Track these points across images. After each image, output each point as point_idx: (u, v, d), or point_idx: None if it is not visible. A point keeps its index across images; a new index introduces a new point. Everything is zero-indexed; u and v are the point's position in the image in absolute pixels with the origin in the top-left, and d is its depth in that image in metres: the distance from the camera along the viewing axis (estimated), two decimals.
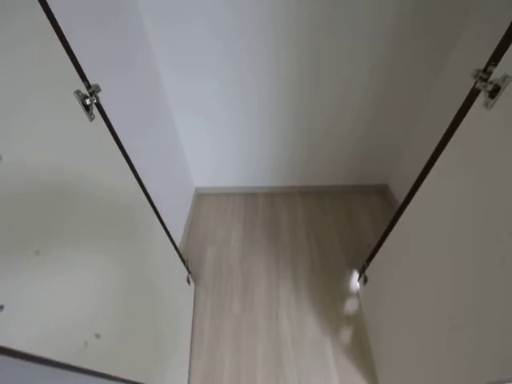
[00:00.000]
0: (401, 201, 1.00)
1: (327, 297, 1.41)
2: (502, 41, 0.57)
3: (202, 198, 1.98)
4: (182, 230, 1.67)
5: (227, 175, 1.90)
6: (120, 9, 0.98)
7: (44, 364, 0.43)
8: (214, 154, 1.74)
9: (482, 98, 0.61)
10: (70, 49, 0.54)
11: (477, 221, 0.63)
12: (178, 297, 1.22)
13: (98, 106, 0.64)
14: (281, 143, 1.65)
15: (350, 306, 1.38)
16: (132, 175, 0.81)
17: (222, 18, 1.14)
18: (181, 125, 1.57)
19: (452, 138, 0.71)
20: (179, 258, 1.23)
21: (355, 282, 1.46)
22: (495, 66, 0.58)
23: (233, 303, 1.39)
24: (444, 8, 1.11)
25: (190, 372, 1.19)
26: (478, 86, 0.61)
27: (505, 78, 0.54)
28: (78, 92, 0.56)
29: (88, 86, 0.60)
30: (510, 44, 0.54)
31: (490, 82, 0.58)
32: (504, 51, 0.55)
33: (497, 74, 0.57)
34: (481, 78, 0.60)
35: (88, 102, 0.59)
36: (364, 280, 1.35)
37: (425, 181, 0.84)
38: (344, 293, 1.43)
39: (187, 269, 1.34)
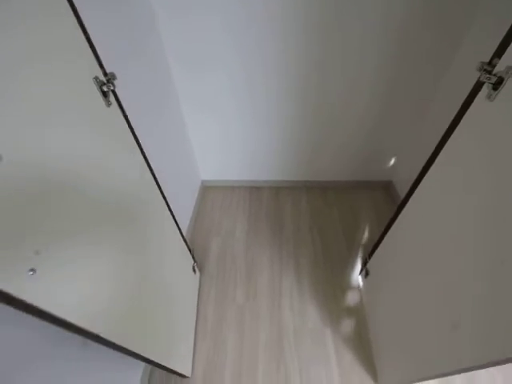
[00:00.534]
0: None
1: (329, 288, 1.43)
2: (506, 34, 0.58)
3: (207, 190, 2.01)
4: (188, 221, 1.71)
5: (233, 169, 1.92)
6: None
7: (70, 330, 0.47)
8: (220, 147, 1.77)
9: (485, 90, 0.62)
10: (88, 35, 0.57)
11: (480, 214, 0.65)
12: (184, 284, 1.26)
13: (114, 93, 0.67)
14: (287, 138, 1.67)
15: (351, 298, 1.41)
16: (146, 165, 0.84)
17: (232, 12, 1.15)
18: (189, 118, 1.60)
19: (455, 131, 0.73)
20: (186, 247, 1.27)
21: (357, 276, 1.49)
22: (499, 58, 0.59)
23: (236, 292, 1.43)
24: (453, 1, 1.11)
25: (194, 356, 1.22)
26: (482, 78, 0.62)
27: (508, 69, 0.55)
28: (96, 78, 0.59)
29: (105, 73, 0.63)
30: None
31: (494, 75, 0.59)
32: (508, 44, 0.57)
33: (500, 66, 0.58)
34: (485, 70, 0.62)
35: (105, 88, 0.62)
36: (366, 273, 1.37)
37: (427, 174, 0.86)
38: (345, 285, 1.45)
39: (193, 258, 1.38)
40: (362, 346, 1.25)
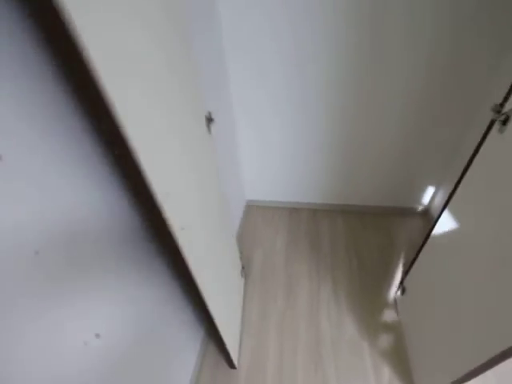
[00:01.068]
0: None
1: (365, 303, 1.52)
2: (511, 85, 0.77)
3: (251, 209, 2.26)
4: (235, 234, 1.94)
5: (275, 190, 2.16)
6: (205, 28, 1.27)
7: None
8: (264, 170, 2.04)
9: (497, 126, 0.80)
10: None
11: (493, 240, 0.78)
12: (234, 284, 1.45)
13: (210, 123, 0.96)
14: (325, 163, 1.89)
15: (388, 314, 1.47)
16: (218, 182, 1.11)
17: (287, 44, 1.40)
18: (243, 142, 1.90)
19: (474, 160, 0.89)
20: (238, 254, 1.48)
21: (393, 293, 1.55)
22: (506, 102, 0.77)
23: (277, 298, 1.58)
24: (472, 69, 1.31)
25: (239, 352, 1.37)
26: (493, 117, 0.80)
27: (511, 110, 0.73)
28: (207, 115, 0.88)
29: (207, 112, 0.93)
30: None
31: (503, 114, 0.77)
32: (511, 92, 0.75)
33: (507, 107, 0.76)
34: (497, 111, 0.80)
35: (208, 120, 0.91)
36: (402, 291, 1.44)
37: (452, 199, 1.01)
38: (382, 301, 1.52)
39: (241, 264, 1.58)
40: (400, 361, 1.29)
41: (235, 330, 1.38)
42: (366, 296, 1.55)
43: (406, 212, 2.06)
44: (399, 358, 1.31)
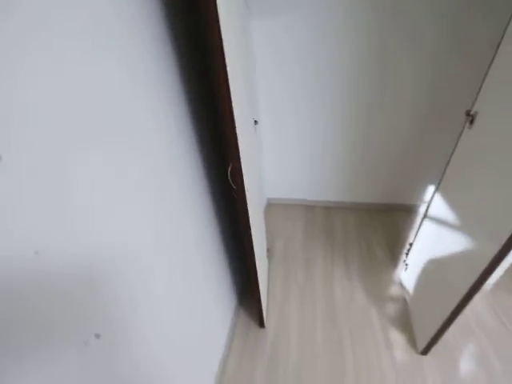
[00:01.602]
0: None
1: (374, 279, 1.77)
2: (477, 92, 1.08)
3: (271, 205, 2.57)
4: None
5: (291, 189, 2.48)
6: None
7: None
8: (284, 170, 2.36)
9: (468, 124, 1.11)
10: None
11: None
12: (264, 261, 1.73)
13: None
14: (340, 165, 2.20)
15: (393, 288, 1.72)
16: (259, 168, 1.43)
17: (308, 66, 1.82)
18: (266, 143, 2.24)
19: (456, 149, 1.20)
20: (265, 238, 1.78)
21: (398, 271, 1.81)
22: (473, 106, 1.09)
23: (297, 275, 1.85)
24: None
25: (266, 317, 1.63)
26: (465, 119, 1.11)
27: (475, 112, 1.04)
28: (254, 118, 1.22)
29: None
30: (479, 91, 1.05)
31: (470, 115, 1.08)
32: (476, 99, 1.07)
33: (473, 110, 1.08)
34: (467, 114, 1.11)
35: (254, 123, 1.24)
36: (405, 266, 1.70)
37: (440, 183, 1.30)
38: (388, 278, 1.78)
39: (267, 246, 1.87)
40: (403, 323, 1.53)
41: (264, 297, 1.66)
42: (374, 273, 1.81)
43: (411, 208, 2.33)
44: (402, 320, 1.55)
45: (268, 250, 1.90)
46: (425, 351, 1.35)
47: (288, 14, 1.64)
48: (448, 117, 1.82)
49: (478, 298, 1.61)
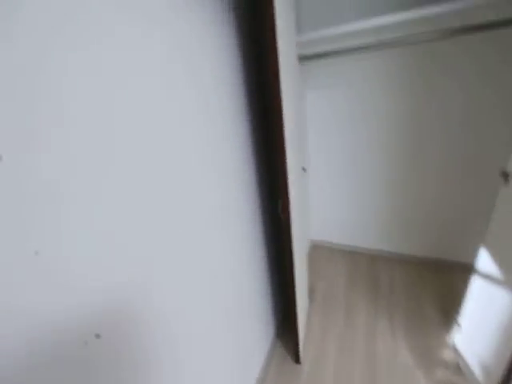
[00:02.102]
0: None
1: (421, 338, 1.66)
2: None
3: (314, 248, 2.67)
4: None
5: (337, 233, 2.57)
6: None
7: None
8: (329, 215, 2.51)
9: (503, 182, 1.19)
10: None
11: None
12: (305, 299, 1.83)
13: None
14: (387, 212, 2.27)
15: (445, 351, 1.58)
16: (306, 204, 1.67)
17: (350, 138, 2.09)
18: (313, 188, 2.48)
19: (495, 206, 1.25)
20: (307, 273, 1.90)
21: (451, 333, 1.67)
22: (507, 165, 1.18)
23: (337, 322, 1.85)
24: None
25: (303, 351, 1.66)
26: (500, 176, 1.20)
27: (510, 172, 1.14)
28: (303, 166, 1.51)
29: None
30: None
31: (506, 174, 1.17)
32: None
33: (508, 169, 1.17)
34: (502, 172, 1.20)
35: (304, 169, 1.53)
36: (459, 329, 1.58)
37: (485, 238, 1.32)
38: (438, 339, 1.65)
39: (309, 288, 1.96)
40: None
41: (302, 334, 1.71)
42: (422, 332, 1.70)
43: (464, 266, 2.17)
44: None
45: (309, 291, 1.98)
46: None
47: (341, 88, 2.04)
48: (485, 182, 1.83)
49: None
